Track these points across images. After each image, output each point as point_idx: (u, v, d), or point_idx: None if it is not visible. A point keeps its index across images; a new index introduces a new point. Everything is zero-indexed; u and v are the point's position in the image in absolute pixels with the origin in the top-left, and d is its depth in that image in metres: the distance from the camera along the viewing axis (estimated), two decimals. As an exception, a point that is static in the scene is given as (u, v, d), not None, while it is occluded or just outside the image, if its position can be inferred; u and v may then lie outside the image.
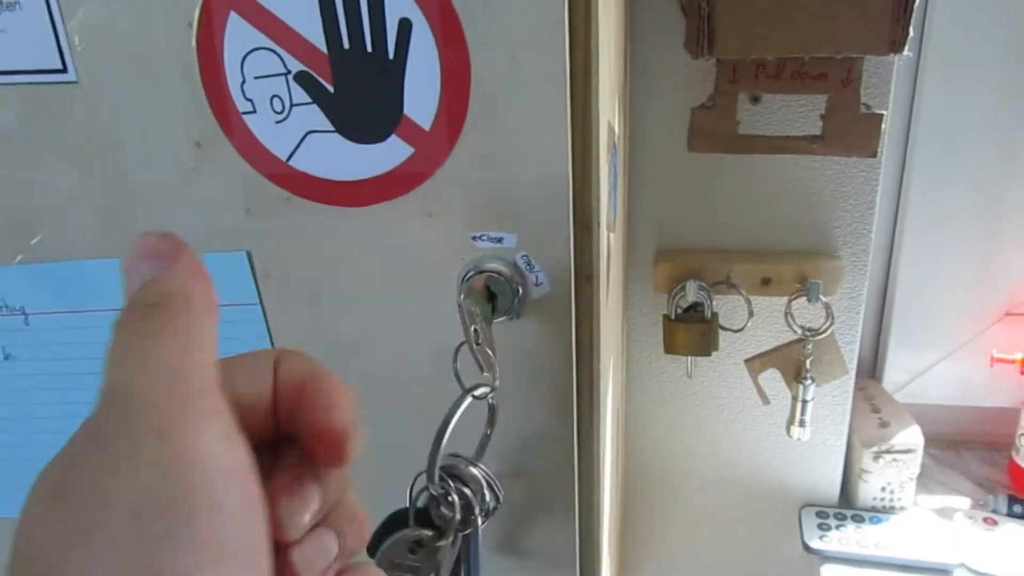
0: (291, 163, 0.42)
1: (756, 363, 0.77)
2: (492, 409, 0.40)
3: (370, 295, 0.44)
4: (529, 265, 0.41)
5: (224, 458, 0.21)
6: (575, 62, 0.38)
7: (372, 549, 0.38)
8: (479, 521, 0.38)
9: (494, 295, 0.42)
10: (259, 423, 0.25)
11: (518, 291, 0.42)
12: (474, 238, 0.41)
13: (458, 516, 0.37)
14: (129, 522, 0.19)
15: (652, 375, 0.83)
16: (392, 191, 0.41)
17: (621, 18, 0.60)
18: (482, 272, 0.41)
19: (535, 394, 0.45)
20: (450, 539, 0.37)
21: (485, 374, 0.39)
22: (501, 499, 0.39)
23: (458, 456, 0.39)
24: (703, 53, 0.64)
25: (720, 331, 0.76)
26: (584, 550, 0.50)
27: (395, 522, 0.38)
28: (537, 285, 0.42)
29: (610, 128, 0.48)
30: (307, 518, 0.25)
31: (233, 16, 0.39)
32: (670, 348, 0.77)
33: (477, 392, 0.38)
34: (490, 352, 0.38)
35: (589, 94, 0.39)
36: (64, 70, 0.42)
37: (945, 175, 0.81)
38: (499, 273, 0.41)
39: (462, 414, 0.37)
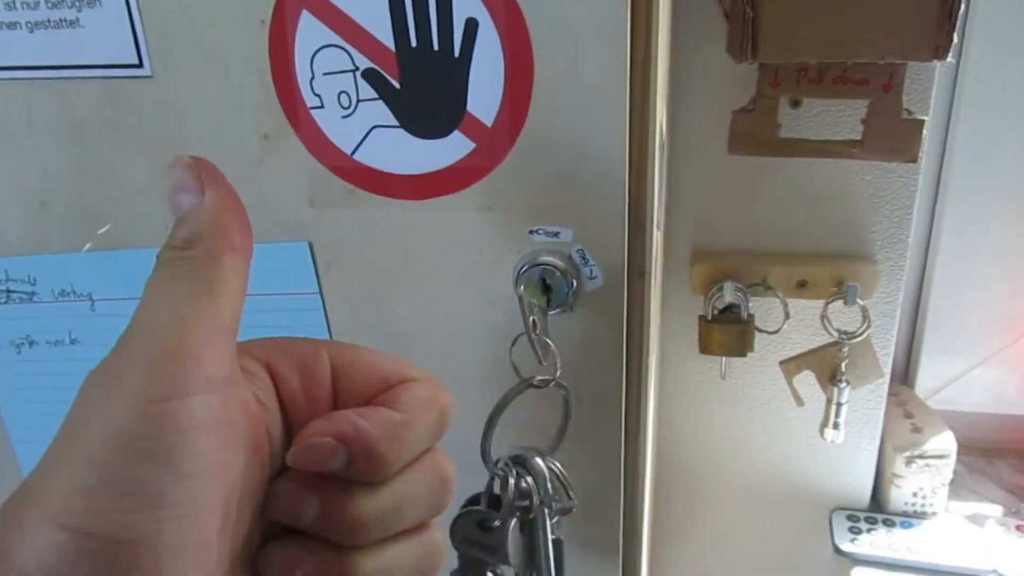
0: (355, 157, 0.43)
1: (792, 365, 0.78)
2: (567, 401, 0.40)
3: (428, 286, 0.45)
4: (584, 259, 0.43)
5: (200, 415, 0.23)
6: (635, 63, 0.40)
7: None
8: (544, 512, 0.38)
9: (548, 288, 0.43)
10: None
11: (572, 284, 0.43)
12: (531, 232, 0.43)
13: (514, 501, 0.38)
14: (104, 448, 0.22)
15: (686, 374, 0.84)
16: (453, 185, 0.42)
17: (670, 23, 0.61)
18: (538, 265, 0.42)
19: (583, 386, 0.46)
20: (509, 522, 0.38)
21: (544, 364, 0.41)
22: (573, 497, 0.40)
23: (530, 448, 0.40)
24: (746, 57, 0.65)
25: (756, 333, 0.77)
26: (627, 541, 0.51)
27: (474, 502, 0.39)
28: (591, 279, 0.43)
29: (660, 128, 0.49)
30: None
31: (305, 14, 0.40)
32: (705, 348, 0.78)
33: (536, 380, 0.39)
34: (549, 342, 0.39)
35: (647, 95, 0.41)
36: (140, 65, 0.44)
37: (982, 182, 0.81)
38: (555, 266, 0.42)
39: (541, 407, 0.38)
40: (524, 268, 0.43)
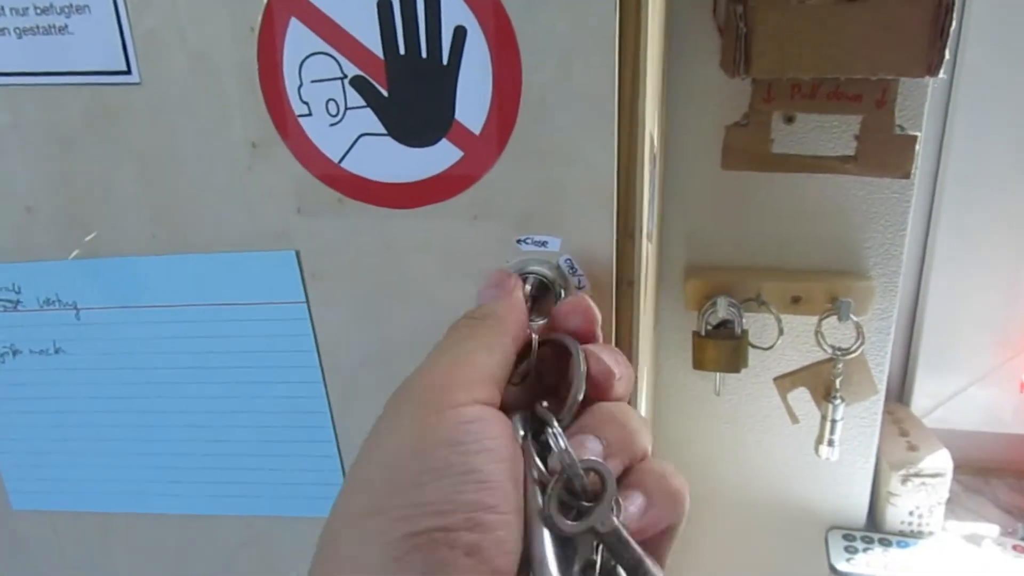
0: (343, 165, 0.43)
1: (786, 381, 0.77)
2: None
3: (416, 295, 0.45)
4: (572, 268, 0.42)
5: (475, 431, 0.30)
6: (623, 73, 0.40)
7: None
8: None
9: (536, 297, 0.43)
10: None
11: (560, 294, 0.42)
12: (519, 241, 0.42)
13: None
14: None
15: (680, 390, 0.83)
16: (441, 194, 0.42)
17: (662, 36, 0.61)
18: (527, 274, 0.42)
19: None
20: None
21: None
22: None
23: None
24: (739, 72, 0.65)
25: (749, 348, 0.76)
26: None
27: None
28: (579, 288, 0.43)
29: (651, 139, 0.49)
30: None
31: (294, 22, 0.40)
32: (699, 364, 0.77)
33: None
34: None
35: (636, 104, 0.40)
36: (128, 72, 0.43)
37: (976, 199, 0.81)
38: (543, 275, 0.42)
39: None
40: (512, 277, 0.43)
